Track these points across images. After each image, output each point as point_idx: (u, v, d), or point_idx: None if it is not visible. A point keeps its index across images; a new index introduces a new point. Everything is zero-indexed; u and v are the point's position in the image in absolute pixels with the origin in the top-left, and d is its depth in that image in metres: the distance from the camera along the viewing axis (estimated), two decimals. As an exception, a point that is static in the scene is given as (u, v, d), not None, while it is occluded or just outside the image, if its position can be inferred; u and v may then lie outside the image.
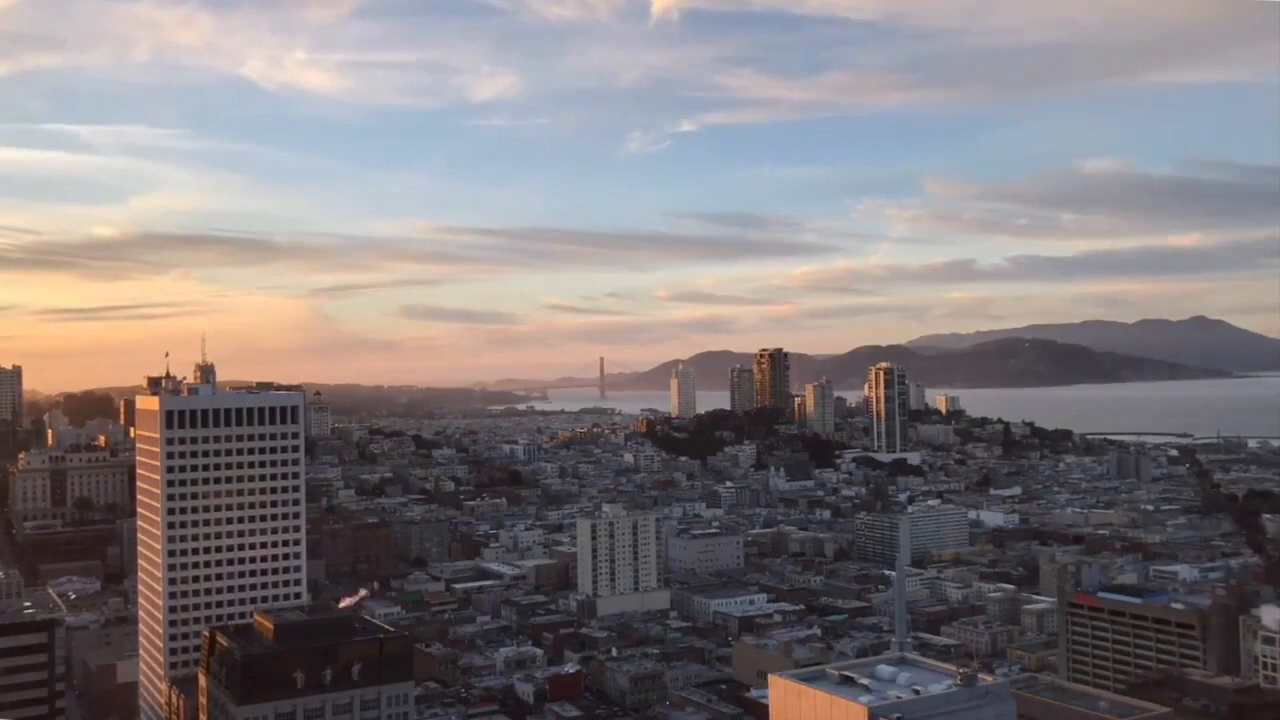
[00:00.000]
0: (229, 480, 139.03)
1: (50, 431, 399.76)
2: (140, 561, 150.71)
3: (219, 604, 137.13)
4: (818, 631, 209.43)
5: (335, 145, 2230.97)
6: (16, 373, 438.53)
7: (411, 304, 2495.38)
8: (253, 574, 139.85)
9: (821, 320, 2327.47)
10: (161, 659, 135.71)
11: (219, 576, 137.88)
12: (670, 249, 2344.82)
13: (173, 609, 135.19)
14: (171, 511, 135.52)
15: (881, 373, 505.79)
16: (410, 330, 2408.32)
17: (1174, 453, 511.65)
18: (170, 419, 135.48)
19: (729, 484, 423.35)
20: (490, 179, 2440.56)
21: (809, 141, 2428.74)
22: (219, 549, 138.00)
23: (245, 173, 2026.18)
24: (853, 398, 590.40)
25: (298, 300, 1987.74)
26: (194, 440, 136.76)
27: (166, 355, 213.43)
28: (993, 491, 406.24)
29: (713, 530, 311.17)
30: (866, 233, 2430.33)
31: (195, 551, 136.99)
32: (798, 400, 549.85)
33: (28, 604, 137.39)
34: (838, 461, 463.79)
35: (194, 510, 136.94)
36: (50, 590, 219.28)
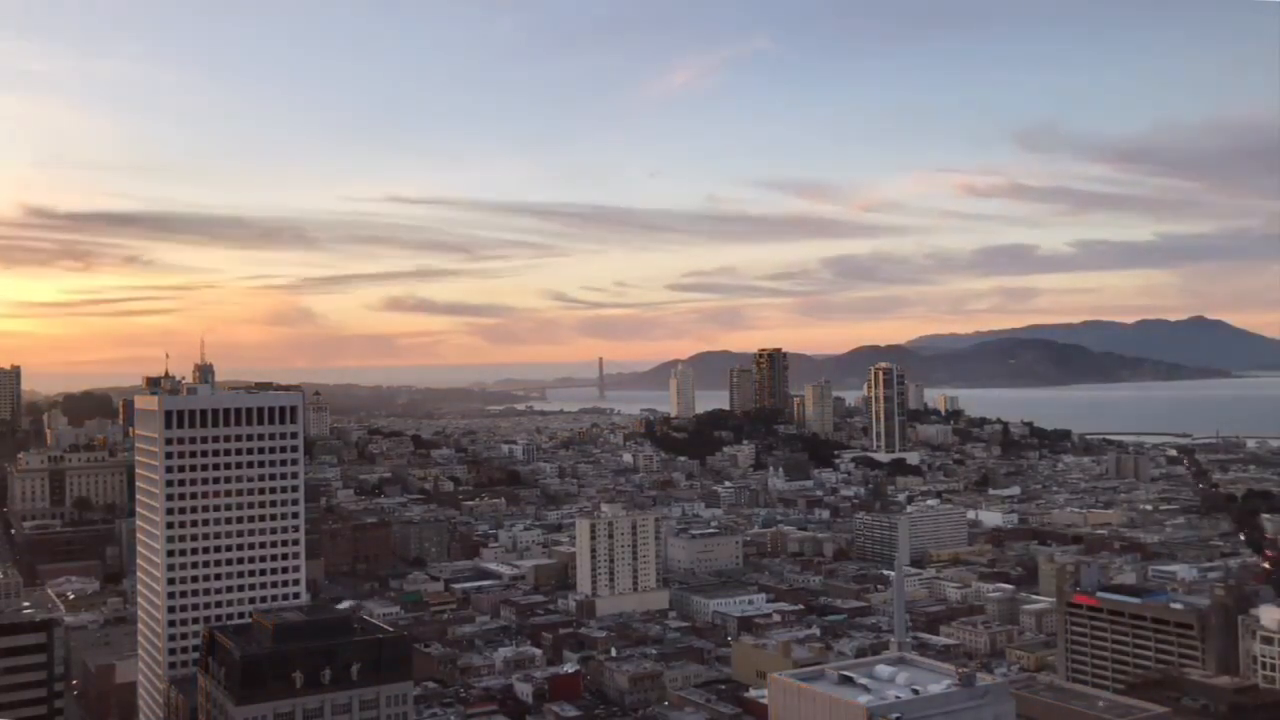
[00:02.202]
0: (228, 480, 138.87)
1: (49, 431, 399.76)
2: (140, 561, 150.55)
3: (218, 604, 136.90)
4: (817, 631, 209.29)
5: (273, 72, 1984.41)
6: (15, 372, 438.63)
7: (400, 296, 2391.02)
8: (252, 574, 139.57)
9: (848, 315, 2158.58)
10: (161, 659, 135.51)
11: (218, 576, 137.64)
12: (695, 226, 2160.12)
13: (172, 609, 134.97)
14: (171, 511, 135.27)
15: (880, 373, 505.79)
16: (402, 325, 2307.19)
17: (1173, 453, 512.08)
18: (170, 419, 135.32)
19: (728, 484, 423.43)
20: (478, 127, 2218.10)
21: (881, 79, 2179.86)
22: (218, 549, 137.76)
23: (145, 105, 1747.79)
24: (852, 398, 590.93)
25: (274, 292, 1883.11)
26: (193, 440, 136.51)
27: (167, 356, 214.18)
28: (991, 491, 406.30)
29: (712, 530, 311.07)
30: (919, 206, 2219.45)
31: (194, 551, 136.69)
32: (797, 400, 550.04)
33: (26, 604, 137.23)
34: (836, 461, 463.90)
35: (193, 510, 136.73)
36: (49, 590, 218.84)
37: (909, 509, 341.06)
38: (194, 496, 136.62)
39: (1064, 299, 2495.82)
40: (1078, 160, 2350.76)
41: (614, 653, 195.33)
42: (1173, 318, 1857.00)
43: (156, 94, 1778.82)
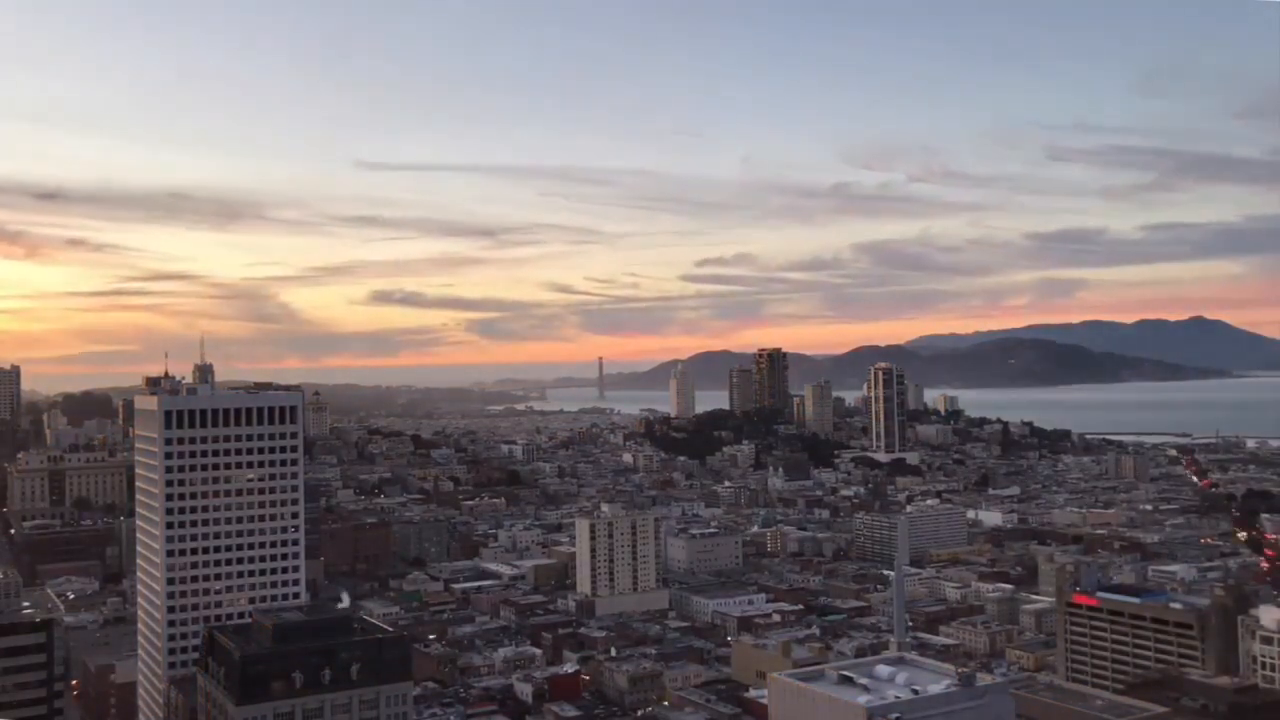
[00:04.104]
0: (228, 480, 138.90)
1: (49, 431, 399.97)
2: (139, 561, 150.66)
3: (218, 604, 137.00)
4: (816, 631, 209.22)
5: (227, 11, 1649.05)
6: (15, 372, 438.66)
7: (390, 289, 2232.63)
8: (252, 574, 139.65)
9: (875, 310, 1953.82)
10: (160, 659, 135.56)
11: (218, 576, 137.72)
12: (723, 198, 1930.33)
13: (172, 609, 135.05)
14: (171, 511, 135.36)
15: (880, 373, 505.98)
16: (396, 321, 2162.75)
17: (1173, 453, 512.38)
18: (169, 419, 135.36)
19: (727, 484, 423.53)
20: (484, 83, 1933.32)
21: (976, 12, 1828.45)
22: (218, 549, 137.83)
23: (62, 53, 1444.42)
24: (851, 398, 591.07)
25: (255, 284, 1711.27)
26: (193, 440, 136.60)
27: (166, 356, 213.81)
28: (991, 491, 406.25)
29: (711, 530, 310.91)
30: (983, 175, 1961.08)
31: (194, 551, 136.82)
32: (797, 400, 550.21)
33: (26, 604, 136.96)
34: (836, 461, 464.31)
35: (193, 510, 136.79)
36: (49, 590, 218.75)
37: (909, 509, 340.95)
38: (194, 496, 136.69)
39: (1115, 292, 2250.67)
40: (1204, 110, 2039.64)
41: (614, 653, 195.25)
42: (1173, 317, 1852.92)
43: (76, 43, 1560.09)
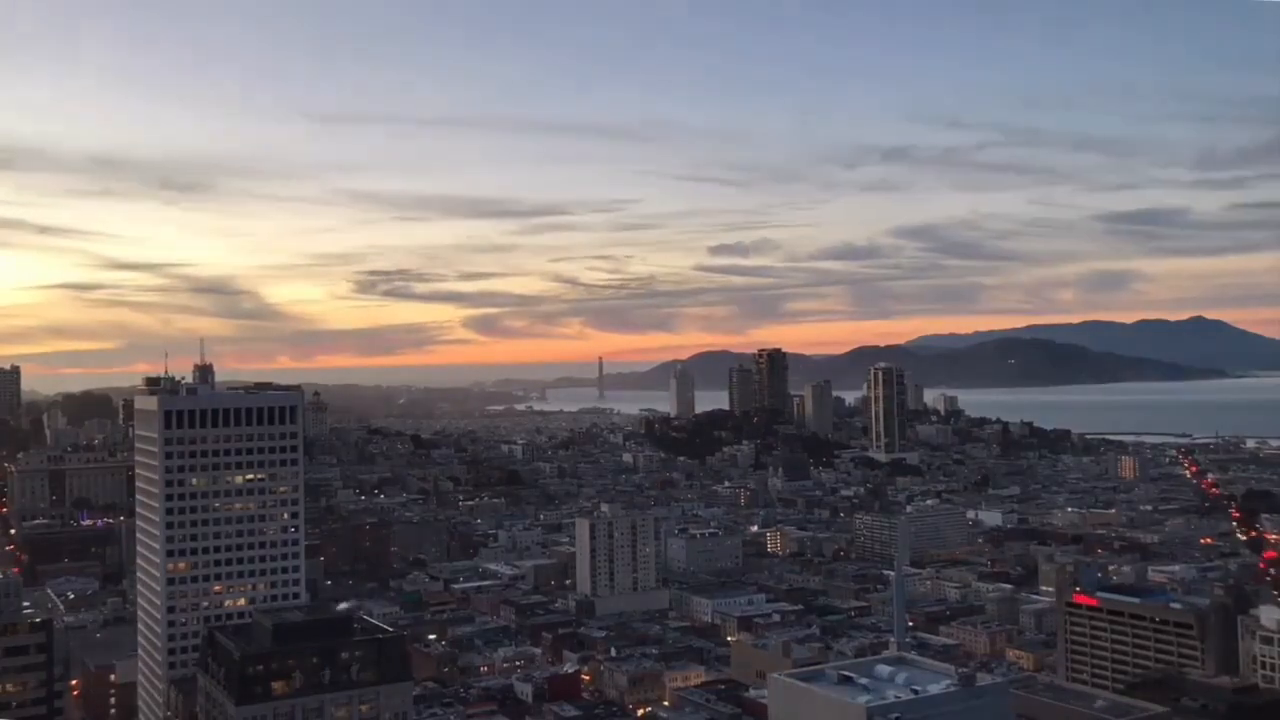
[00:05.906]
0: (228, 480, 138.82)
1: (49, 431, 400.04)
2: (139, 561, 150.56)
3: (218, 604, 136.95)
4: (816, 631, 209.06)
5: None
6: (15, 373, 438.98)
7: (376, 281, 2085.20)
8: (251, 574, 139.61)
9: (897, 308, 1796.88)
10: (160, 659, 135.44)
11: (218, 576, 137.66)
12: (758, 161, 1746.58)
13: (171, 609, 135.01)
14: (170, 511, 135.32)
15: (880, 373, 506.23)
16: (388, 317, 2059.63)
17: (1173, 453, 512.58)
18: (169, 419, 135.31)
19: (727, 484, 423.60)
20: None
21: None
22: (218, 549, 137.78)
23: None
24: (851, 398, 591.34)
25: (230, 277, 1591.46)
26: (193, 440, 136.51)
27: (166, 355, 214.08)
28: (991, 491, 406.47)
29: (711, 530, 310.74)
30: (1066, 133, 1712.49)
31: (194, 551, 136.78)
32: (797, 400, 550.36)
33: (26, 604, 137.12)
34: (836, 461, 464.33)
35: (193, 510, 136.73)
36: (49, 590, 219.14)
37: (909, 509, 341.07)
38: (194, 496, 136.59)
39: (1173, 286, 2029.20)
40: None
41: (614, 653, 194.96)
42: (1173, 318, 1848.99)
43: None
